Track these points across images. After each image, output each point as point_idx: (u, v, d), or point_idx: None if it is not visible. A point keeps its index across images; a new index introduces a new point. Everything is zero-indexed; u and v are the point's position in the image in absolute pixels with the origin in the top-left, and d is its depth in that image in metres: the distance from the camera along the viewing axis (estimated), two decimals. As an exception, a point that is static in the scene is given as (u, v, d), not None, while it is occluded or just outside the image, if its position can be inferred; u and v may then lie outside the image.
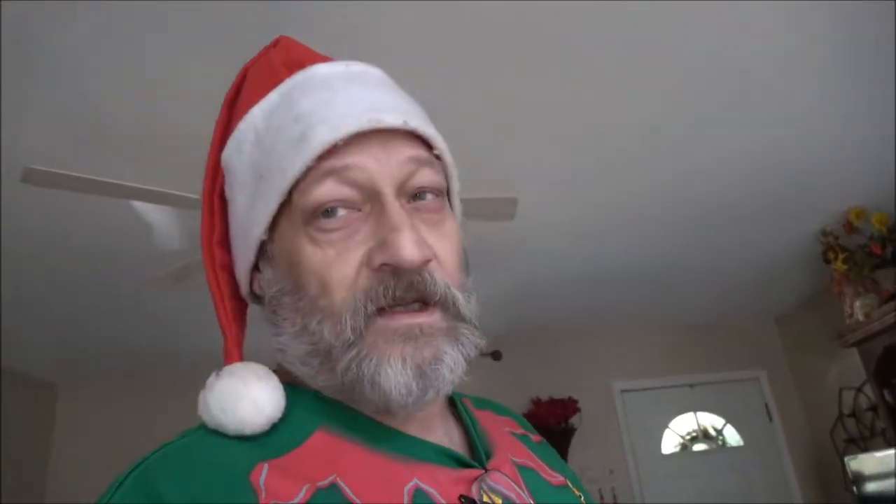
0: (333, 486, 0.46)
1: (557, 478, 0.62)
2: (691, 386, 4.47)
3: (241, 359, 0.55)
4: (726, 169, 2.59)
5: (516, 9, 1.67)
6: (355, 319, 0.48)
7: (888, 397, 3.13)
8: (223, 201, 0.58)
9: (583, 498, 0.63)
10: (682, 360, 4.51)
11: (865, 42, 1.94)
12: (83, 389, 4.32)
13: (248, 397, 0.49)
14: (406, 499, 0.47)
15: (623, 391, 4.44)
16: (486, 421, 0.63)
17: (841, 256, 3.00)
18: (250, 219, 0.54)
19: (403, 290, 0.49)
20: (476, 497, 0.50)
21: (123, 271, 2.87)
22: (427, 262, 0.49)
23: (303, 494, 0.45)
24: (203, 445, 0.48)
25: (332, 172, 0.50)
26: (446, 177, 0.57)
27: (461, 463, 0.53)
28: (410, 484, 0.48)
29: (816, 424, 4.26)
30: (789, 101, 2.20)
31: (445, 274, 0.51)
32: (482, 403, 0.68)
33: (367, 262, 0.49)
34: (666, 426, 4.44)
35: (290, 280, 0.52)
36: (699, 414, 4.49)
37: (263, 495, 0.43)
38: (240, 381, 0.50)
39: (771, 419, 4.39)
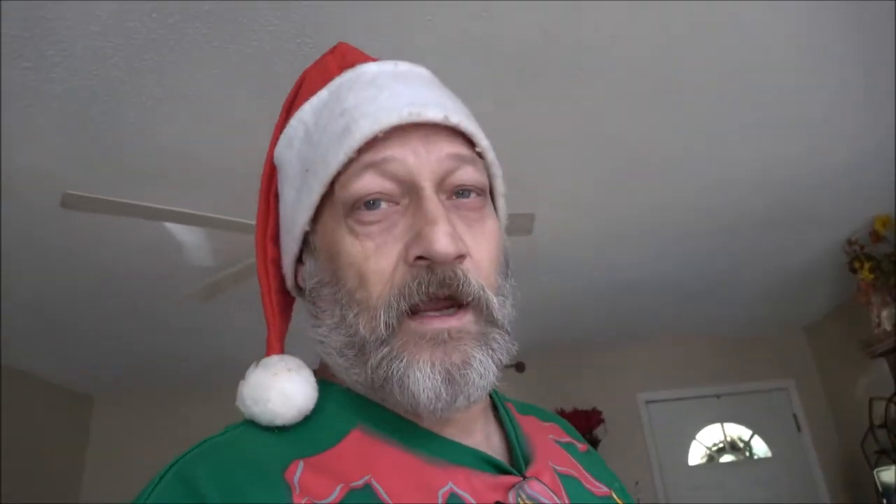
0: (367, 487, 0.46)
1: (602, 489, 0.60)
2: (718, 396, 4.43)
3: (282, 352, 0.56)
4: (748, 178, 2.59)
5: (532, 22, 1.71)
6: (388, 315, 0.49)
7: (918, 408, 3.08)
8: (277, 199, 0.60)
9: None
10: (709, 370, 4.48)
11: (883, 47, 1.93)
12: (119, 400, 4.45)
13: (276, 388, 0.50)
14: (440, 503, 0.47)
15: (648, 402, 4.41)
16: (529, 426, 0.62)
17: (867, 265, 2.97)
18: (296, 211, 0.55)
19: (437, 285, 0.48)
20: (513, 502, 0.49)
21: (156, 287, 2.96)
22: (461, 256, 0.49)
23: (336, 494, 0.45)
24: (241, 441, 0.49)
25: (371, 165, 0.50)
26: (490, 176, 0.57)
27: (499, 469, 0.52)
28: (445, 488, 0.48)
29: (846, 435, 4.19)
30: (808, 110, 2.20)
31: (481, 275, 0.51)
32: (526, 408, 0.68)
33: (404, 257, 0.49)
34: (692, 437, 4.41)
35: (329, 271, 0.53)
36: (726, 425, 4.45)
37: (297, 492, 0.44)
38: (270, 373, 0.51)
39: (799, 430, 4.32)
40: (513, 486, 0.51)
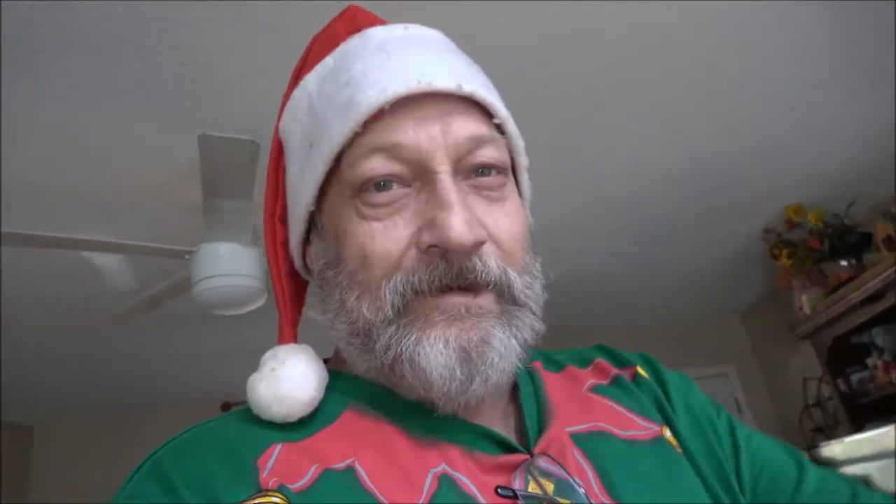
0: (349, 469, 0.44)
1: (646, 430, 0.55)
2: (663, 385, 4.54)
3: (295, 337, 0.53)
4: (674, 173, 2.66)
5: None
6: (394, 297, 0.45)
7: (842, 387, 3.21)
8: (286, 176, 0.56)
9: (681, 449, 0.55)
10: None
11: (791, 39, 2.00)
12: (59, 430, 4.35)
13: (262, 393, 0.48)
14: (428, 485, 0.44)
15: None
16: (560, 385, 0.57)
17: (784, 252, 3.08)
18: (301, 189, 0.51)
19: (452, 278, 0.45)
20: (520, 486, 0.45)
21: (85, 315, 2.90)
22: (479, 244, 0.45)
23: (308, 476, 0.43)
24: (224, 428, 0.48)
25: (381, 149, 0.46)
26: (511, 151, 0.52)
27: (507, 447, 0.48)
28: (437, 469, 0.45)
29: (785, 415, 4.34)
30: (721, 107, 2.27)
31: (504, 256, 0.47)
32: (563, 361, 0.62)
33: (416, 242, 0.46)
34: (640, 427, 4.50)
35: (333, 252, 0.50)
36: (673, 412, 4.55)
37: (265, 474, 0.43)
38: (258, 378, 0.49)
39: (741, 412, 4.46)
40: (521, 464, 0.47)
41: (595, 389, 0.58)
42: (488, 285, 0.46)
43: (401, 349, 0.45)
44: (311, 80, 0.52)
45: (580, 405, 0.56)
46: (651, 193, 2.79)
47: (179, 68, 1.65)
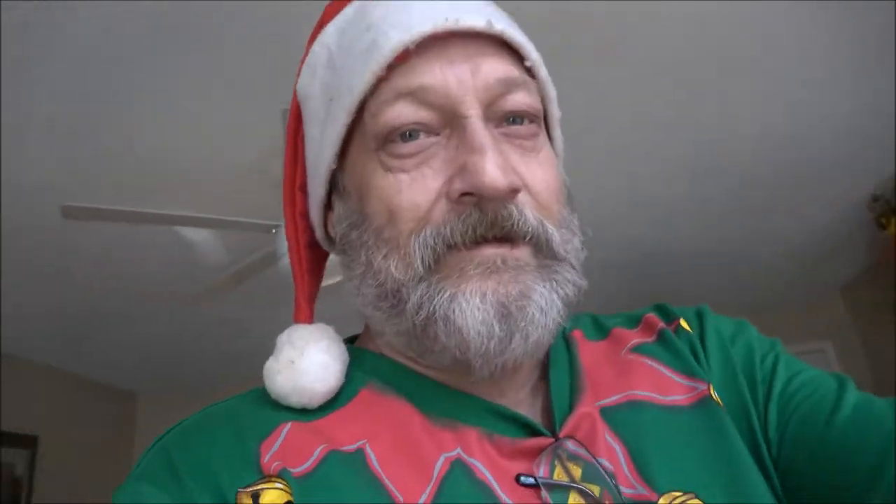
0: (359, 452, 0.43)
1: (693, 390, 0.49)
2: (756, 362, 4.35)
3: (312, 313, 0.51)
4: (767, 144, 2.52)
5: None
6: (424, 252, 0.42)
7: (958, 366, 2.97)
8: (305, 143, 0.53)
9: (726, 408, 0.49)
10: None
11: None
12: (162, 397, 4.62)
13: (281, 385, 0.46)
14: (438, 471, 0.41)
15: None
16: (600, 352, 0.53)
17: (893, 221, 2.86)
18: (321, 148, 0.48)
19: (486, 227, 0.42)
20: (544, 473, 0.42)
21: (187, 285, 3.06)
22: (515, 191, 0.42)
23: (313, 458, 0.42)
24: (238, 407, 0.48)
25: (406, 93, 0.43)
26: (543, 99, 0.49)
27: (532, 430, 0.45)
28: (451, 454, 0.43)
29: (888, 396, 4.07)
30: (821, 68, 2.13)
31: (539, 207, 0.44)
32: (608, 326, 0.56)
33: (446, 192, 0.43)
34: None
35: (357, 212, 0.47)
36: (766, 390, 4.37)
37: (267, 458, 0.42)
38: (275, 370, 0.47)
39: (839, 392, 4.23)
40: (545, 448, 0.44)
41: (637, 349, 0.53)
42: (525, 236, 0.43)
43: (434, 307, 0.42)
44: (329, 32, 0.49)
45: (617, 372, 0.51)
46: (748, 162, 2.65)
47: (262, 50, 1.69)
